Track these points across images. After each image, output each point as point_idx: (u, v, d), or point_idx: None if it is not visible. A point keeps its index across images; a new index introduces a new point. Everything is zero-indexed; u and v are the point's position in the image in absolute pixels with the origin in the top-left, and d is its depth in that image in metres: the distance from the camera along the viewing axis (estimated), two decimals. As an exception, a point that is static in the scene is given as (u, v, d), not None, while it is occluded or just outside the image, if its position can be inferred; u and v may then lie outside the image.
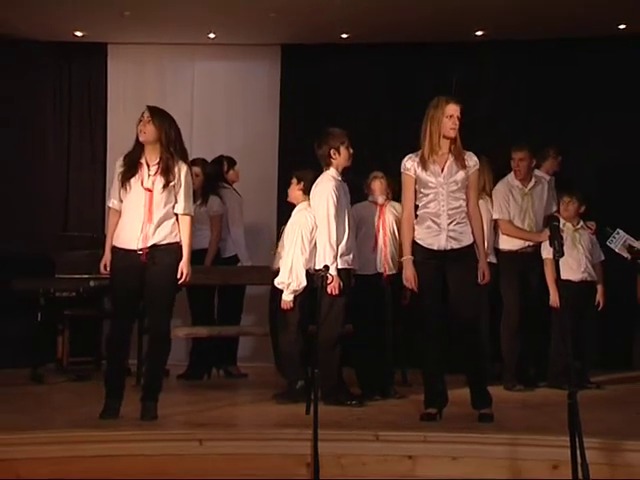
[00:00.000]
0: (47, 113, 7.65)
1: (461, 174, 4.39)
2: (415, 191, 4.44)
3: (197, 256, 6.30)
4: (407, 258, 4.41)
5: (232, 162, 6.67)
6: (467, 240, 4.40)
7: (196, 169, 6.43)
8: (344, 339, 5.06)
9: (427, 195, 4.41)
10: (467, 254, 4.40)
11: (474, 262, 4.41)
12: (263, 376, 6.38)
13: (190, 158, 6.66)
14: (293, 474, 3.81)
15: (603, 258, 5.94)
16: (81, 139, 7.72)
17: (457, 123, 4.35)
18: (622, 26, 7.00)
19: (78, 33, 7.34)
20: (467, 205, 4.43)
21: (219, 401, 5.14)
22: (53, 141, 7.66)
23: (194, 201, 6.34)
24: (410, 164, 4.44)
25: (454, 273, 4.37)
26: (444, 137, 4.38)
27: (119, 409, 4.36)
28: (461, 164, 4.38)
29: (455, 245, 4.37)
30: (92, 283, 6.23)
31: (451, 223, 4.36)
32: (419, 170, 4.41)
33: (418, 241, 4.41)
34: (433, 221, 4.38)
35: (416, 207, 4.47)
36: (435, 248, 4.37)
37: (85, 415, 4.49)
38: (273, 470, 3.83)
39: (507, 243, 5.90)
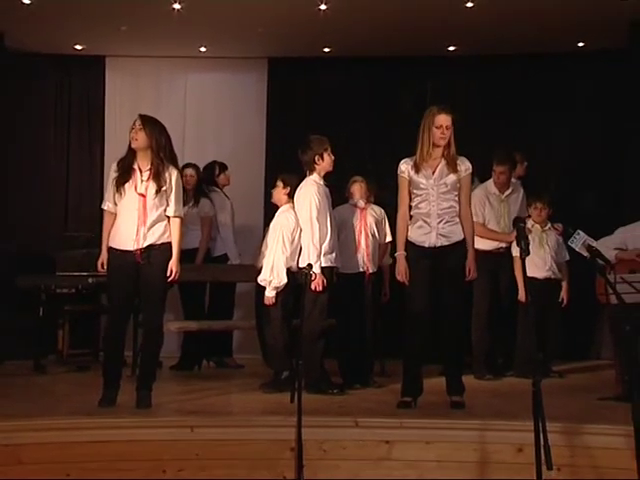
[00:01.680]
0: (48, 121, 7.61)
1: (452, 177, 4.38)
2: (410, 192, 4.45)
3: (189, 255, 6.31)
4: (400, 253, 4.42)
5: (223, 167, 6.65)
6: (457, 237, 4.40)
7: (191, 171, 6.44)
8: (327, 332, 5.07)
9: (419, 196, 4.42)
10: (457, 250, 4.40)
11: (463, 258, 4.40)
12: (250, 367, 6.36)
13: (182, 163, 6.74)
14: (278, 458, 3.82)
15: (568, 258, 6.00)
16: (80, 146, 7.69)
17: (446, 133, 4.33)
18: (581, 44, 7.09)
19: (78, 46, 7.31)
20: (459, 207, 4.42)
21: (209, 390, 5.13)
22: (54, 147, 7.63)
23: (186, 202, 6.40)
24: (404, 167, 4.45)
25: (443, 266, 4.39)
26: (434, 145, 4.38)
27: (116, 398, 4.36)
28: (453, 168, 4.37)
29: (445, 242, 4.38)
30: (90, 280, 6.21)
31: (440, 222, 4.37)
32: (412, 172, 4.41)
33: (410, 239, 4.42)
34: (424, 220, 4.40)
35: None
36: (426, 245, 4.38)
37: (84, 403, 4.47)
38: (260, 454, 3.84)
39: (481, 243, 5.90)
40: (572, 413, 4.25)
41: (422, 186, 4.39)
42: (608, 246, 4.91)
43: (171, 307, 6.79)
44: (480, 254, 5.76)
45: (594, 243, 4.85)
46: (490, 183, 6.00)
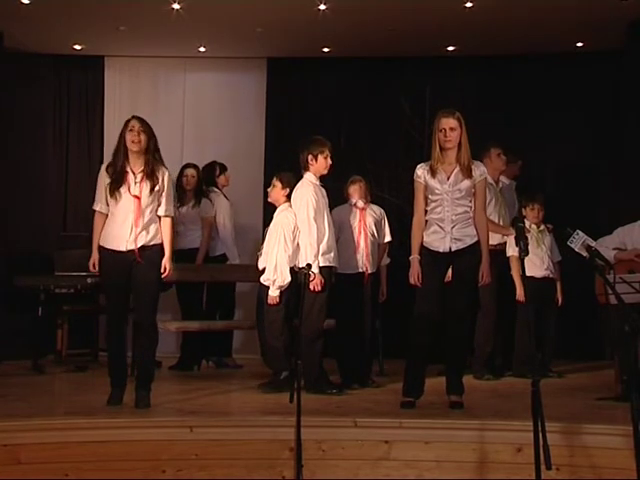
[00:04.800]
0: (47, 121, 7.60)
1: (466, 183, 4.35)
2: (426, 197, 4.43)
3: (189, 255, 6.32)
4: (414, 257, 4.39)
5: (223, 168, 6.65)
6: (470, 239, 4.38)
7: (192, 171, 6.44)
8: (326, 332, 5.06)
9: (434, 201, 4.39)
10: (472, 252, 4.38)
11: (477, 261, 4.39)
12: (250, 367, 6.37)
13: (181, 163, 6.75)
14: (277, 458, 3.81)
15: (560, 258, 6.02)
16: (79, 146, 7.68)
17: (449, 135, 4.30)
18: (580, 44, 7.10)
19: (77, 46, 7.31)
20: (474, 212, 4.40)
21: (208, 390, 5.12)
22: (53, 148, 7.62)
23: (187, 202, 6.42)
24: (420, 172, 4.42)
25: (457, 267, 4.40)
26: (443, 149, 4.36)
27: (122, 397, 4.39)
28: (467, 174, 4.34)
29: (461, 245, 4.36)
30: (89, 280, 6.21)
31: (454, 227, 4.36)
32: (428, 177, 4.38)
33: (426, 245, 4.40)
34: (439, 225, 4.38)
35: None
36: (441, 250, 4.37)
37: (83, 403, 4.47)
38: (259, 454, 3.83)
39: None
40: (571, 413, 4.25)
41: (437, 191, 4.37)
42: (607, 246, 4.91)
43: (169, 307, 6.80)
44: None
45: (593, 243, 4.84)
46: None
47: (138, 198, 4.31)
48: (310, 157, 5.01)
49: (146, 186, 4.32)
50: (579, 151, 7.19)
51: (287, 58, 7.47)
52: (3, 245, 6.95)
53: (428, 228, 4.42)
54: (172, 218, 4.48)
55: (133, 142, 4.30)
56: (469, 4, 6.19)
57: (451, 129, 4.31)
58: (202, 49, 7.35)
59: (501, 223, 5.85)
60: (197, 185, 6.42)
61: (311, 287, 4.78)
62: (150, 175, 4.32)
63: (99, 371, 4.52)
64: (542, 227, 5.99)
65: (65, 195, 7.60)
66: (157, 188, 4.34)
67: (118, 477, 3.74)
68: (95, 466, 3.75)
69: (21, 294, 6.28)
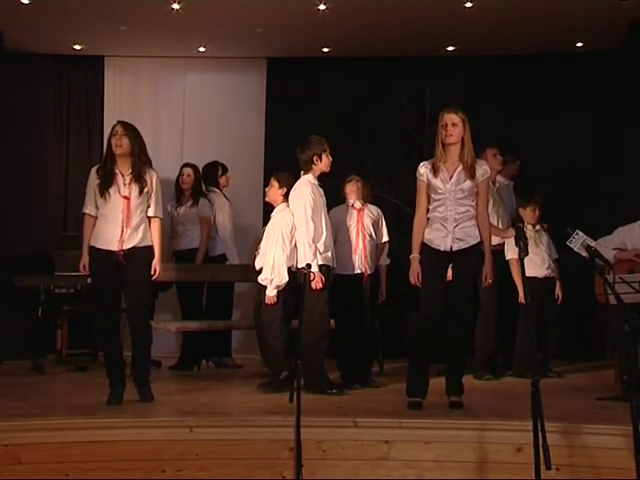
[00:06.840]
0: (47, 121, 7.61)
1: (468, 183, 4.34)
2: (428, 196, 4.42)
3: (188, 255, 6.33)
4: (414, 256, 4.39)
5: (225, 169, 6.66)
6: (473, 240, 4.37)
7: (189, 170, 6.46)
8: (330, 333, 5.05)
9: (437, 200, 4.38)
10: (473, 253, 4.37)
11: (478, 260, 4.38)
12: (249, 367, 6.37)
13: (181, 163, 6.76)
14: (277, 458, 3.81)
15: (558, 256, 6.03)
16: (79, 146, 7.68)
17: (450, 130, 4.28)
18: (580, 44, 7.10)
19: (77, 46, 7.31)
20: (476, 211, 4.39)
21: (208, 390, 5.13)
22: (53, 148, 7.62)
23: (184, 202, 6.43)
24: (423, 170, 4.41)
25: (457, 267, 4.39)
26: (445, 145, 4.34)
27: (122, 396, 4.41)
28: (470, 173, 4.33)
29: (462, 245, 4.35)
30: (89, 280, 6.19)
31: (456, 226, 4.35)
32: (430, 176, 4.37)
33: (427, 242, 4.39)
34: (441, 224, 4.36)
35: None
36: (442, 249, 4.36)
37: (83, 403, 4.47)
38: (259, 454, 3.83)
39: None
40: (571, 413, 4.25)
41: (440, 191, 4.36)
42: (607, 246, 4.91)
43: (169, 307, 6.80)
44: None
45: (593, 243, 4.84)
46: None
47: (127, 199, 4.40)
48: (315, 157, 5.02)
49: (135, 188, 4.42)
50: (579, 151, 7.19)
51: (287, 58, 7.48)
52: (3, 245, 6.95)
53: (430, 225, 4.41)
54: (161, 220, 4.58)
55: (116, 146, 4.41)
56: (469, 4, 6.20)
57: (453, 125, 4.31)
58: (202, 49, 7.36)
59: (500, 224, 5.85)
60: (194, 185, 6.43)
61: (313, 286, 4.78)
62: (138, 178, 4.42)
63: (99, 371, 4.52)
64: (538, 227, 6.00)
65: (65, 195, 7.60)
66: (146, 190, 4.44)
67: (118, 477, 3.74)
68: (95, 466, 3.74)
69: (21, 294, 6.28)
